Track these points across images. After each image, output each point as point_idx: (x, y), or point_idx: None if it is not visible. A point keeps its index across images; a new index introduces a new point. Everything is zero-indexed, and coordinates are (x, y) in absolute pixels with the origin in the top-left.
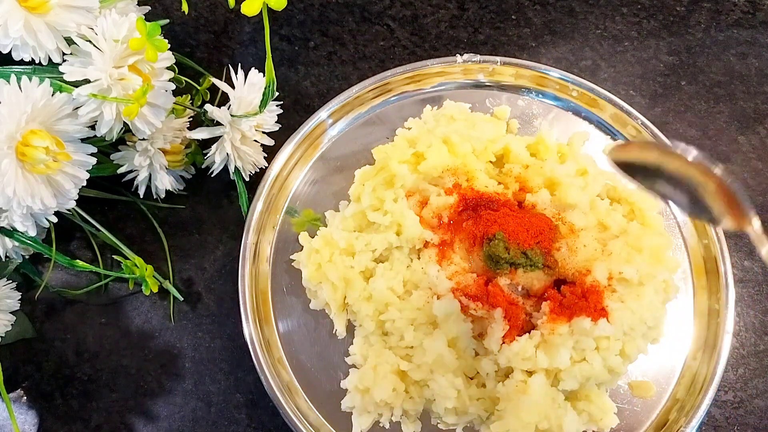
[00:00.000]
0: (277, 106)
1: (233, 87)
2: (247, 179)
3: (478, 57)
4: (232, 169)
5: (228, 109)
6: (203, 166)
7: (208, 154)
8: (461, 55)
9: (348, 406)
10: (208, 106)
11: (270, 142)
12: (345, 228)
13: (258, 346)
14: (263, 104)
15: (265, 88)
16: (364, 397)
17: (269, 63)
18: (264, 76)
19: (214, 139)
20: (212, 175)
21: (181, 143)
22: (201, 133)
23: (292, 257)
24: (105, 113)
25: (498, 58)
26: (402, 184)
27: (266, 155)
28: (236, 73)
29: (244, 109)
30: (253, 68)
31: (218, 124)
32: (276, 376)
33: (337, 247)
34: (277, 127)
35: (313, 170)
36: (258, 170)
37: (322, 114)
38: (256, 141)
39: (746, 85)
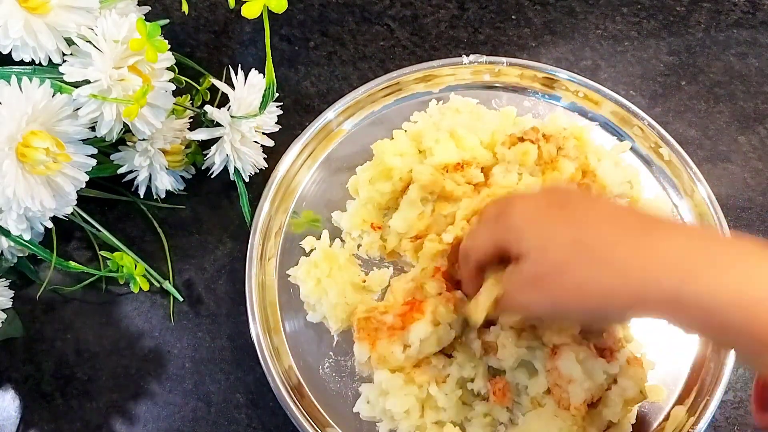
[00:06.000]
0: (276, 107)
1: (233, 88)
2: (247, 180)
3: (485, 57)
4: (232, 169)
5: (228, 110)
6: (203, 167)
7: (208, 155)
8: (467, 55)
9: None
10: (207, 107)
11: (270, 143)
12: (353, 225)
13: (264, 345)
14: (263, 106)
15: (266, 90)
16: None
17: (269, 65)
18: (264, 77)
19: (214, 140)
20: (212, 177)
21: (181, 143)
22: (201, 134)
23: (288, 272)
24: (105, 114)
25: (504, 59)
26: (400, 176)
27: (266, 156)
28: (236, 74)
29: (244, 110)
30: (253, 69)
31: (218, 124)
32: (282, 375)
33: (337, 263)
34: (276, 128)
35: (320, 170)
36: (258, 170)
37: (330, 114)
38: (255, 142)
39: (746, 85)
